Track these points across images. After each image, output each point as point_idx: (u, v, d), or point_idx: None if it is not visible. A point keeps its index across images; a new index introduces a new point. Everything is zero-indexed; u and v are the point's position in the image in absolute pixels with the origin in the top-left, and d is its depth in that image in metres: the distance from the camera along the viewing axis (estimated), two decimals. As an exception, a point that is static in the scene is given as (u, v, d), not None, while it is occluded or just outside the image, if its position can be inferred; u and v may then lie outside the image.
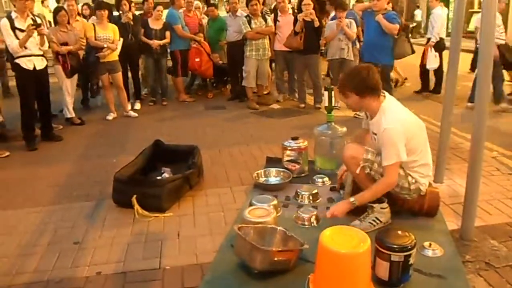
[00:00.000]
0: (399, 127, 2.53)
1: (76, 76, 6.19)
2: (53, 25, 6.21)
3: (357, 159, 2.68)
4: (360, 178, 2.75)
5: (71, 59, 5.83)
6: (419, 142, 2.64)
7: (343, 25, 6.04)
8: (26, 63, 4.92)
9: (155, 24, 6.88)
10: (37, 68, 5.01)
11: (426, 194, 2.84)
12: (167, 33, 6.91)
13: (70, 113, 6.20)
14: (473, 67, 7.68)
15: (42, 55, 5.12)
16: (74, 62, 5.91)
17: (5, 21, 4.77)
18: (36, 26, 4.79)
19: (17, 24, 4.79)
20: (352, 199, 2.64)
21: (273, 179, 3.60)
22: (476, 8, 15.62)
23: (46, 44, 5.16)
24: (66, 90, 6.03)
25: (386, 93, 2.72)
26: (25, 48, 4.85)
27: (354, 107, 2.78)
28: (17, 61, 4.91)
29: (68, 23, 5.92)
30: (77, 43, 5.95)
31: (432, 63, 7.06)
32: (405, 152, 2.52)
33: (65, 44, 5.76)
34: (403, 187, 2.66)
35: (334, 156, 3.69)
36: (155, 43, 6.77)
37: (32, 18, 4.93)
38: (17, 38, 4.79)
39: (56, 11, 5.97)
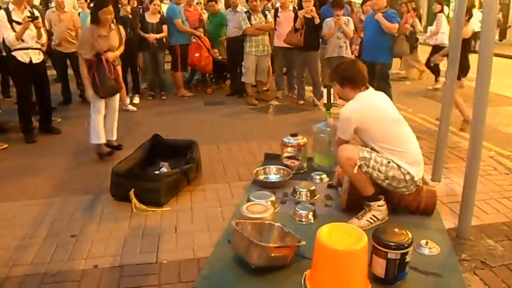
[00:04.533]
0: (355, 108, 2.74)
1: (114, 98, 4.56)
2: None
3: (352, 160, 2.65)
4: (357, 178, 2.70)
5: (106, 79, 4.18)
6: (385, 129, 2.72)
7: (341, 23, 6.03)
8: (23, 56, 4.86)
9: (151, 18, 6.85)
10: (34, 61, 4.93)
11: (423, 192, 2.86)
12: (164, 27, 6.88)
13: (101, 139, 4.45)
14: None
15: (39, 49, 5.02)
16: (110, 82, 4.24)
17: (2, 13, 4.70)
18: (33, 18, 4.69)
19: (14, 16, 4.73)
20: None
21: (273, 177, 3.61)
22: (477, 8, 15.56)
23: (44, 37, 5.02)
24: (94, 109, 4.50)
25: (370, 87, 2.87)
26: (22, 41, 4.78)
27: (340, 95, 3.00)
28: (13, 53, 4.84)
29: (113, 22, 4.31)
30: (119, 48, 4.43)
31: None
32: (349, 133, 2.77)
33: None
34: (400, 180, 2.67)
35: (332, 153, 3.70)
36: (151, 36, 6.73)
37: (29, 11, 4.88)
38: (14, 30, 4.72)
39: (100, 5, 4.16)
